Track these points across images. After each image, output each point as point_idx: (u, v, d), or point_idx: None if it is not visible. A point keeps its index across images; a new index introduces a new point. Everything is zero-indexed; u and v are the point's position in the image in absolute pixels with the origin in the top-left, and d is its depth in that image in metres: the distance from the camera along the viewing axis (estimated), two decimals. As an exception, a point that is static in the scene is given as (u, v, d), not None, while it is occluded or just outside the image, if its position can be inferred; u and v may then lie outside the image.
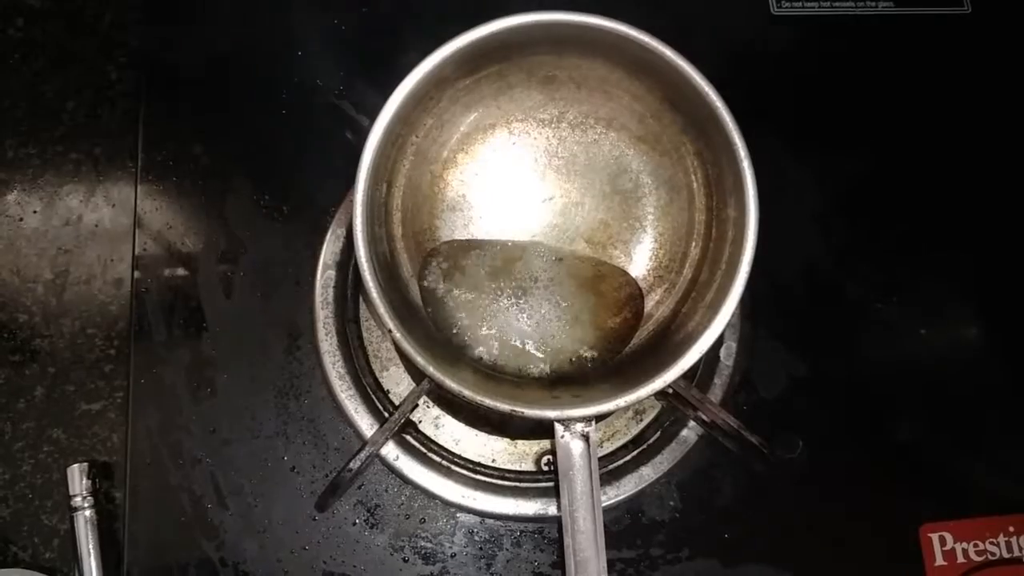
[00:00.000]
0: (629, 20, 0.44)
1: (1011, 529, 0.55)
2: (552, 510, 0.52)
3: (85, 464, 0.51)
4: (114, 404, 0.56)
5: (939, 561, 0.54)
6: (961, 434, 0.57)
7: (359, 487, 0.53)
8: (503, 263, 0.50)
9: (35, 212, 0.59)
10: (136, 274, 0.55)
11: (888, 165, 0.62)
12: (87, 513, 0.50)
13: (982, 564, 0.54)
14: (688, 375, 0.52)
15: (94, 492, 0.51)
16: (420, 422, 0.55)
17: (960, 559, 0.54)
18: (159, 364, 0.54)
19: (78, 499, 0.50)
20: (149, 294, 0.55)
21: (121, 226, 0.59)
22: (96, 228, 0.59)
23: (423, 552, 0.52)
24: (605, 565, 0.42)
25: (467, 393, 0.42)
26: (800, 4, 0.65)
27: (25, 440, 0.55)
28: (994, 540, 0.54)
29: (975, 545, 0.54)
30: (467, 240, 0.51)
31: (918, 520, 0.54)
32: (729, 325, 0.55)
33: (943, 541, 0.54)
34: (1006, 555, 0.54)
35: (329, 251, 0.56)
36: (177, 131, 0.58)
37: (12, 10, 0.63)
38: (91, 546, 0.50)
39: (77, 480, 0.51)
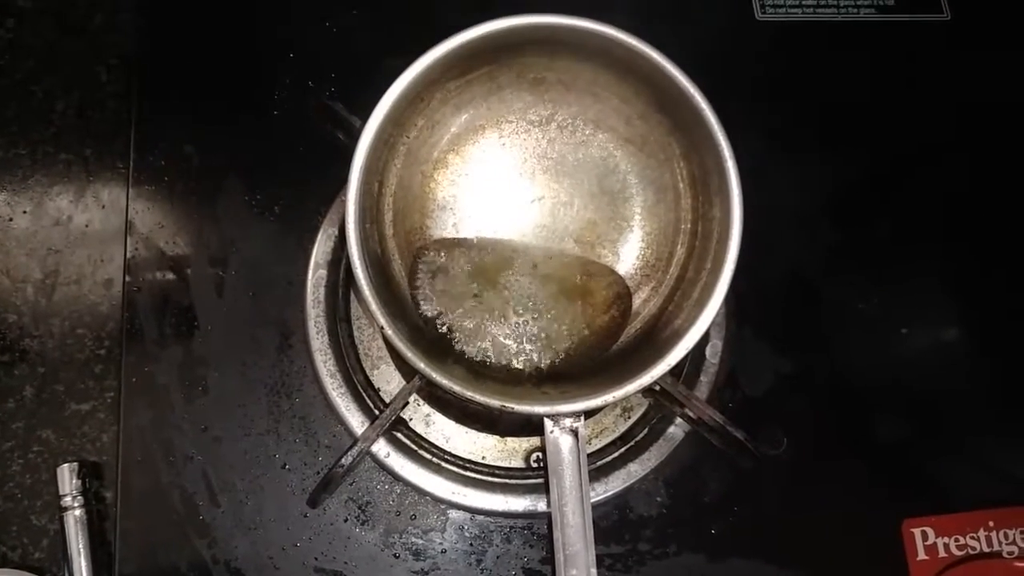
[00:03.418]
0: (616, 24, 0.45)
1: (991, 524, 0.56)
2: (541, 506, 0.52)
3: (75, 464, 0.51)
4: (104, 404, 0.56)
5: (921, 555, 0.54)
6: (942, 431, 0.58)
7: (350, 484, 0.53)
8: (492, 262, 0.51)
9: (25, 212, 0.60)
10: (127, 274, 0.55)
11: (871, 167, 0.63)
12: (77, 513, 0.51)
13: (963, 558, 0.55)
14: (675, 372, 0.53)
15: (84, 492, 0.51)
16: (411, 420, 0.55)
17: (942, 553, 0.55)
18: (151, 363, 0.54)
19: (68, 499, 0.51)
20: (141, 293, 0.55)
21: (111, 227, 0.59)
22: (86, 229, 0.59)
23: (414, 548, 0.52)
24: (594, 559, 0.42)
25: (457, 389, 0.42)
26: (784, 10, 0.66)
27: (14, 440, 0.55)
28: (975, 535, 0.55)
29: (956, 540, 0.55)
30: (457, 239, 0.52)
31: (900, 515, 0.55)
32: (714, 324, 0.56)
33: (925, 536, 0.55)
34: (986, 549, 0.55)
35: (320, 250, 0.56)
36: (168, 131, 0.58)
37: (2, 11, 0.64)
38: (81, 545, 0.50)
39: (67, 480, 0.51)
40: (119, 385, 0.54)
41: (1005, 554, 0.55)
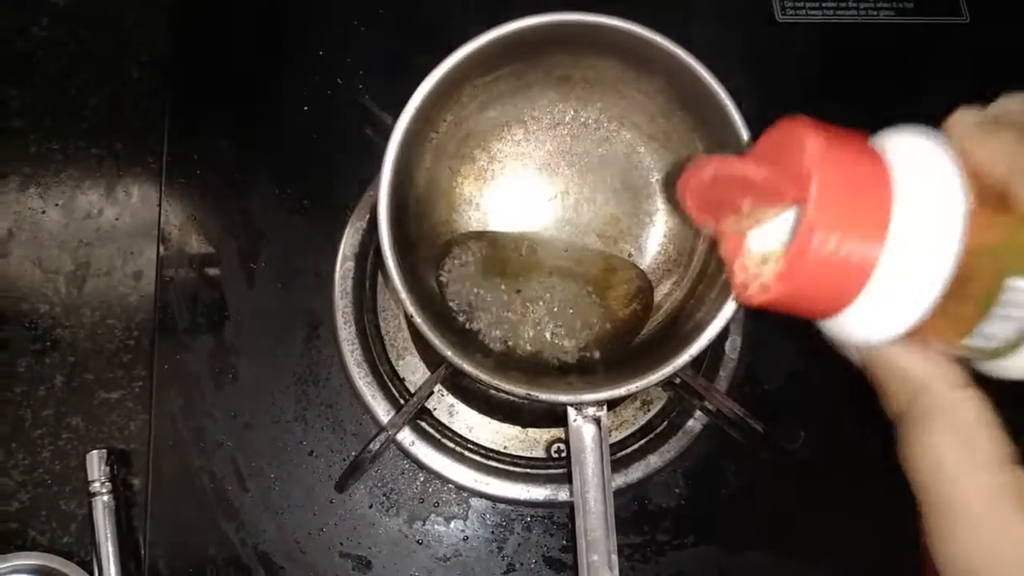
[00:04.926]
0: (638, 23, 0.45)
1: (1006, 520, 0.56)
2: (562, 496, 0.53)
3: (104, 451, 0.52)
4: (132, 393, 0.57)
5: (936, 551, 0.55)
6: (958, 427, 0.59)
7: (375, 471, 0.54)
8: (517, 255, 0.52)
9: (57, 205, 0.61)
10: (160, 264, 0.57)
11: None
12: (105, 498, 0.51)
13: (978, 554, 0.55)
14: (695, 366, 0.54)
15: (112, 478, 0.52)
16: (435, 409, 0.56)
17: (957, 549, 0.55)
18: (182, 351, 0.55)
19: (96, 484, 0.51)
20: (172, 283, 0.56)
21: (141, 221, 0.60)
22: (117, 222, 0.61)
23: (437, 535, 0.53)
24: (615, 544, 0.43)
25: (484, 376, 0.43)
26: (804, 12, 0.66)
27: (45, 428, 0.56)
28: (990, 531, 0.56)
29: (971, 535, 0.55)
30: (483, 233, 0.53)
31: (917, 510, 0.56)
32: (734, 320, 0.57)
33: (941, 531, 0.55)
34: (1000, 544, 0.55)
35: (348, 243, 0.57)
36: (200, 127, 0.60)
37: (36, 9, 0.65)
38: (109, 531, 0.51)
39: (96, 466, 0.52)
40: (151, 373, 0.55)
41: (1020, 551, 0.55)
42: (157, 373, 0.55)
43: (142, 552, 0.52)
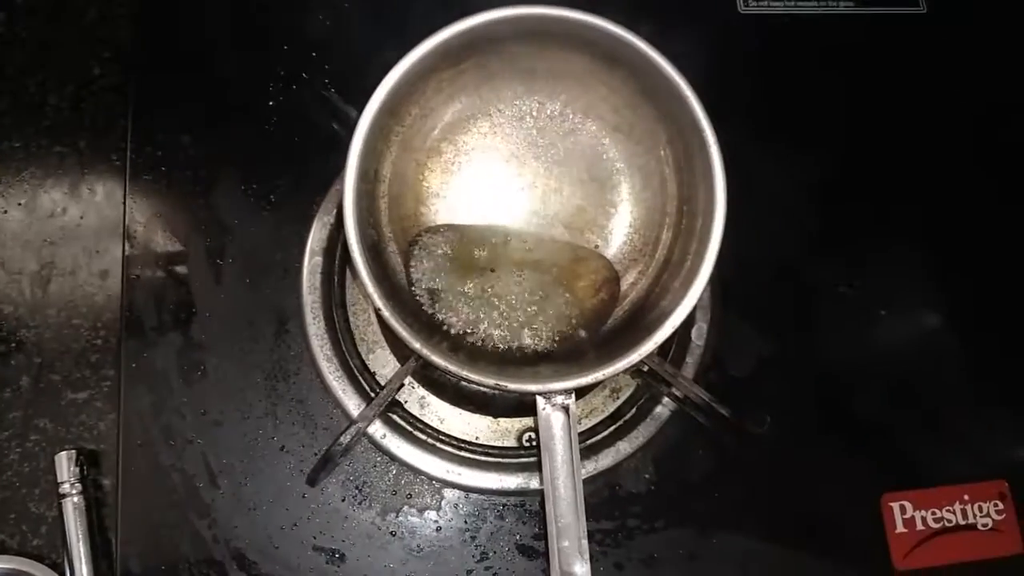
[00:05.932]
0: (603, 16, 0.46)
1: (966, 498, 0.58)
2: (533, 484, 0.54)
3: (73, 452, 0.52)
4: (100, 393, 0.56)
5: (900, 528, 0.56)
6: (919, 409, 0.60)
7: (348, 465, 0.54)
8: (485, 247, 0.52)
9: (20, 204, 0.60)
10: (126, 261, 0.56)
11: (850, 156, 0.65)
12: (75, 499, 0.51)
13: (939, 531, 0.57)
14: (662, 353, 0.55)
15: (82, 479, 0.52)
16: (406, 402, 0.56)
17: (919, 526, 0.57)
18: (150, 349, 0.55)
19: (66, 486, 0.51)
20: (139, 281, 0.56)
21: (106, 219, 0.60)
22: (81, 220, 0.60)
23: (410, 526, 0.54)
24: (585, 530, 0.44)
25: (453, 368, 0.43)
26: (766, 3, 0.67)
27: (12, 429, 0.55)
28: (950, 508, 0.57)
29: (933, 513, 0.57)
30: (450, 226, 0.53)
31: (880, 490, 0.57)
32: (700, 307, 0.58)
33: (903, 510, 0.57)
34: (961, 522, 0.57)
35: (316, 238, 0.57)
36: (164, 122, 0.59)
37: (-5, 5, 0.64)
38: (80, 532, 0.51)
39: (65, 467, 0.52)
40: (119, 372, 0.55)
41: (979, 527, 0.57)
42: (125, 372, 0.54)
43: (114, 552, 0.52)
